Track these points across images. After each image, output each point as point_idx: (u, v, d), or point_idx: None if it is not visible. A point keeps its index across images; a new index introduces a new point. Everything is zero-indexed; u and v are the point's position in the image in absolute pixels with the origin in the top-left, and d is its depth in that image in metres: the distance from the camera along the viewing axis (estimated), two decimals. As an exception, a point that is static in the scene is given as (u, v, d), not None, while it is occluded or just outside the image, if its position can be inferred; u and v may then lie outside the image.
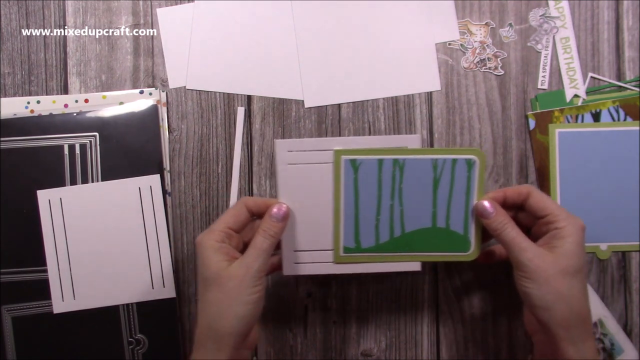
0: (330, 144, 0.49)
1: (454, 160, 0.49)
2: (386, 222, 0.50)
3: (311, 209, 0.50)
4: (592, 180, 0.57)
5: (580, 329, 0.44)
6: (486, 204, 0.48)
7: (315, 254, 0.50)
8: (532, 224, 0.49)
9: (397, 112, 0.58)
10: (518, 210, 0.50)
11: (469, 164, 0.49)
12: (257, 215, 0.49)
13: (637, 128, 0.56)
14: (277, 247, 0.49)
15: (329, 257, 0.51)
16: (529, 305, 0.45)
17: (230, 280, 0.44)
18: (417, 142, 0.49)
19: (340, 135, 0.58)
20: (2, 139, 0.56)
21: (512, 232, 0.46)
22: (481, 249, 0.51)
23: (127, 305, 0.56)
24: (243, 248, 0.48)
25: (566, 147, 0.57)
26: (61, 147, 0.56)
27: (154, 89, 0.58)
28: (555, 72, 0.58)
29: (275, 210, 0.47)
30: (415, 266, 0.51)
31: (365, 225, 0.50)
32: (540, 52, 0.58)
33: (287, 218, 0.48)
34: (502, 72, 0.58)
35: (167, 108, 0.58)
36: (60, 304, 0.56)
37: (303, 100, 0.58)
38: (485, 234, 0.50)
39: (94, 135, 0.57)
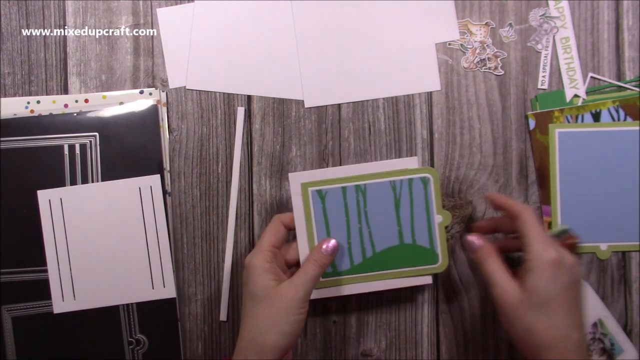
0: (340, 173, 0.52)
1: (410, 180, 0.52)
2: (357, 245, 0.53)
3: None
4: (592, 180, 0.57)
5: (552, 357, 0.44)
6: (472, 238, 0.50)
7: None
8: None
9: (397, 112, 0.58)
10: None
11: (424, 181, 0.52)
12: (293, 228, 0.52)
13: (637, 128, 0.56)
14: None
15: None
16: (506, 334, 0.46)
17: (280, 298, 0.46)
18: (415, 163, 0.52)
19: (340, 135, 0.58)
20: (2, 139, 0.56)
21: (490, 267, 0.48)
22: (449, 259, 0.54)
23: (127, 305, 0.56)
24: (284, 266, 0.52)
25: (566, 147, 0.57)
26: (61, 147, 0.56)
27: (154, 89, 0.58)
28: (555, 72, 0.58)
29: (324, 245, 0.50)
30: (427, 280, 0.54)
31: (338, 250, 0.52)
32: (540, 52, 0.58)
33: (336, 252, 0.51)
34: (502, 72, 0.58)
35: (167, 108, 0.58)
36: (61, 304, 0.56)
37: (303, 100, 0.58)
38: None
39: (94, 135, 0.57)
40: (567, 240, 0.53)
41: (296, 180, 0.52)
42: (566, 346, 0.44)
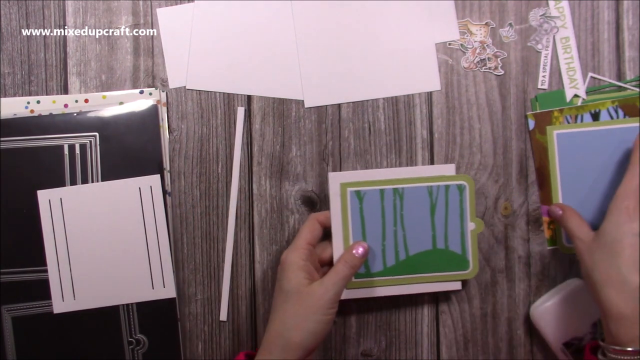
0: (379, 175, 0.53)
1: (447, 187, 0.54)
2: (391, 247, 0.53)
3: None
4: (594, 180, 0.57)
5: (607, 295, 0.47)
6: (555, 206, 0.55)
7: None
8: None
9: (397, 112, 0.58)
10: None
11: (460, 189, 0.53)
12: (328, 227, 0.53)
13: (636, 124, 0.56)
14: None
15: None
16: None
17: (310, 297, 0.47)
18: (452, 170, 0.54)
19: (340, 135, 0.58)
20: (2, 139, 0.56)
21: (571, 224, 0.52)
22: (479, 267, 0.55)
23: (127, 305, 0.56)
24: (317, 264, 0.53)
25: (565, 148, 0.57)
26: (61, 147, 0.56)
27: (154, 89, 0.58)
28: (555, 72, 0.58)
29: (354, 250, 0.51)
30: (456, 285, 0.55)
31: (373, 251, 0.53)
32: (540, 52, 0.58)
33: (366, 255, 0.52)
34: (502, 72, 0.58)
35: (167, 108, 0.58)
36: (61, 304, 0.56)
37: (303, 100, 0.58)
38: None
39: (94, 135, 0.57)
40: None
41: (335, 180, 0.53)
42: (622, 288, 0.46)
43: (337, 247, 0.53)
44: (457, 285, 0.55)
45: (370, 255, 0.53)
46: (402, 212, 0.53)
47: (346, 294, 0.53)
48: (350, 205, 0.53)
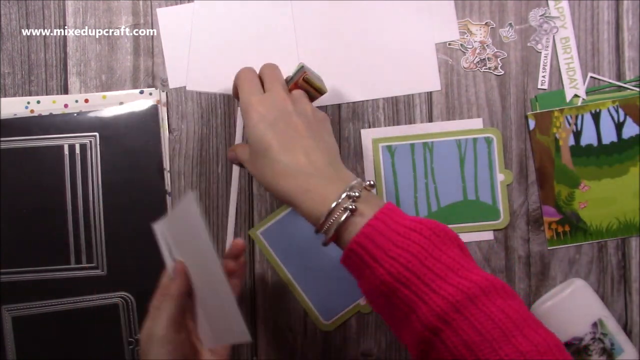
0: (409, 131, 0.56)
1: (475, 139, 0.56)
2: (423, 199, 0.57)
3: None
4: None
5: None
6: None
7: None
8: None
9: (397, 112, 0.58)
10: None
11: (488, 141, 0.57)
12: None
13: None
14: None
15: None
16: None
17: None
18: (480, 124, 0.56)
19: (340, 135, 0.58)
20: (2, 139, 0.56)
21: None
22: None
23: (127, 305, 0.56)
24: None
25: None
26: (61, 147, 0.56)
27: (154, 89, 0.58)
28: (555, 72, 0.58)
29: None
30: (488, 235, 0.57)
31: (405, 203, 0.56)
32: (540, 52, 0.58)
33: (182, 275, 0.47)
34: (502, 72, 0.58)
35: (167, 108, 0.58)
36: None
37: (303, 100, 0.58)
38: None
39: (94, 136, 0.57)
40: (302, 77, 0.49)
41: (368, 136, 0.56)
42: None
43: None
44: (489, 235, 0.57)
45: (404, 206, 0.56)
46: (433, 165, 0.56)
47: None
48: (383, 160, 0.56)
